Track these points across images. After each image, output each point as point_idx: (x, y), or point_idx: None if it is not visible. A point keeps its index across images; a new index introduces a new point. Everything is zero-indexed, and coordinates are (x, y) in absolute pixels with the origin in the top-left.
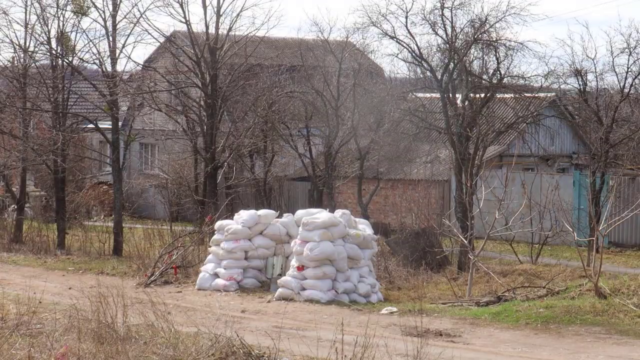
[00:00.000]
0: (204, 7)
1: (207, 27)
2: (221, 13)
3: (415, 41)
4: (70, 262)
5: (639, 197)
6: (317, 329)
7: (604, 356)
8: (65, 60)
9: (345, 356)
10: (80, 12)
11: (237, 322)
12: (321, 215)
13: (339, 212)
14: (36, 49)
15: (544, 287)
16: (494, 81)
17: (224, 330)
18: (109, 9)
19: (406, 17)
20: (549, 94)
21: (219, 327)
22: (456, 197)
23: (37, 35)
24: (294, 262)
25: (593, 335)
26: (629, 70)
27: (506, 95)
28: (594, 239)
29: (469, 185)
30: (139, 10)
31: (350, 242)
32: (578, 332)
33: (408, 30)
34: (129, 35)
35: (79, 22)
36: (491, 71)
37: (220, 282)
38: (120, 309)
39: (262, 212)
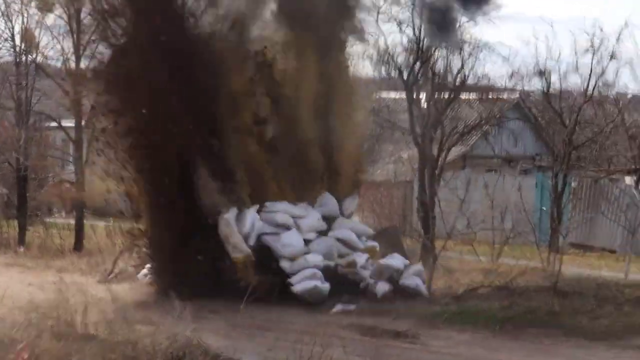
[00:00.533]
0: None
1: None
2: None
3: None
4: (31, 258)
5: (600, 200)
6: (276, 329)
7: (561, 358)
8: (30, 56)
9: (303, 356)
10: (45, 8)
11: (196, 321)
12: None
13: None
14: (0, 46)
15: (504, 288)
16: (458, 81)
17: (182, 328)
18: (73, 6)
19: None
20: (512, 96)
21: (178, 326)
22: (418, 198)
23: (0, 32)
24: None
25: (551, 338)
26: (592, 70)
27: (470, 97)
28: (554, 240)
29: (431, 186)
30: None
31: None
32: (536, 334)
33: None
34: (93, 32)
35: (43, 18)
36: (455, 71)
37: None
38: (80, 306)
39: None
